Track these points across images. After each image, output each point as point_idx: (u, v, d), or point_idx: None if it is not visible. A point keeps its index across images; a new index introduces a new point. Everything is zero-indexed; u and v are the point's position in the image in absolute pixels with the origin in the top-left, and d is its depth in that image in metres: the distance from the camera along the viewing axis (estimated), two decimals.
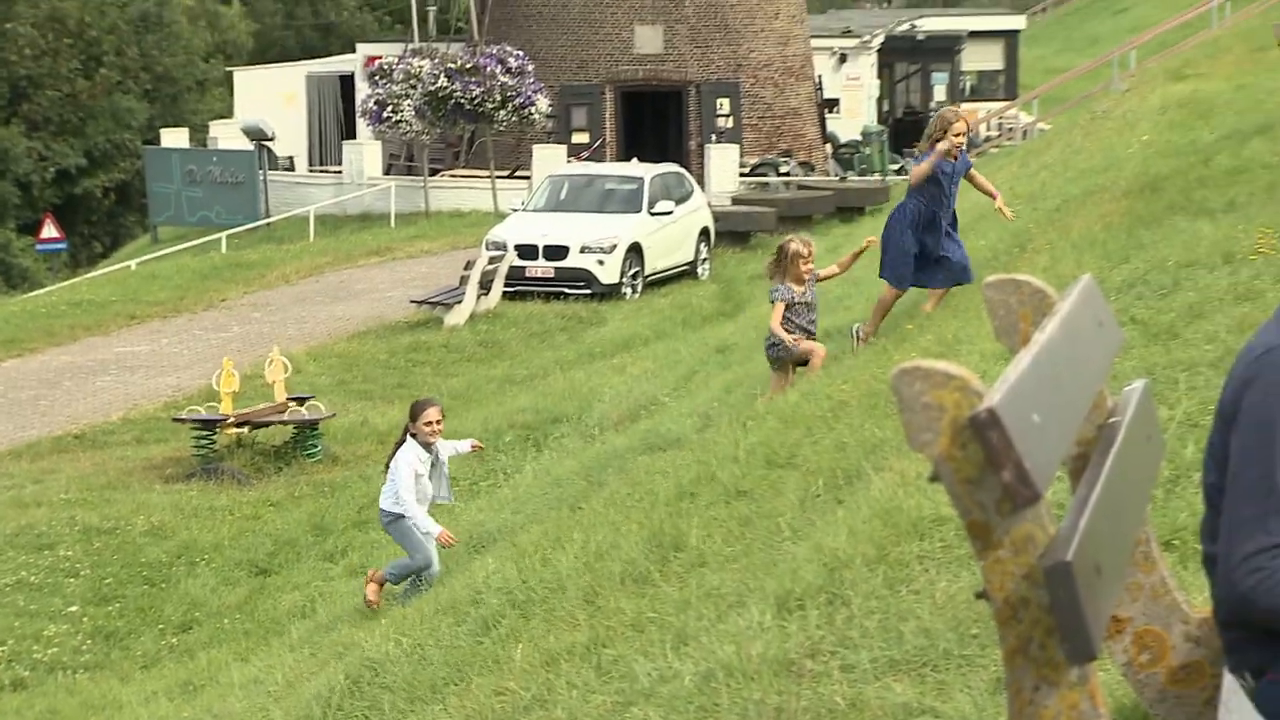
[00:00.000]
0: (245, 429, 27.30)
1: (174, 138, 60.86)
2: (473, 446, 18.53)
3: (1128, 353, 9.86)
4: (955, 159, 17.57)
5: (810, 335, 17.48)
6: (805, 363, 17.29)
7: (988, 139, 61.45)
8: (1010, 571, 3.61)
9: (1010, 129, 62.06)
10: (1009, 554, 3.61)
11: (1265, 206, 14.76)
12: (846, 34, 65.39)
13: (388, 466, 17.63)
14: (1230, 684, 3.99)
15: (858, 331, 18.12)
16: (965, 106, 66.17)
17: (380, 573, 17.15)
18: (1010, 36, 72.14)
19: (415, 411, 17.66)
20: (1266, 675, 3.78)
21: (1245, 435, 3.71)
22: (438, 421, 17.59)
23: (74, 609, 21.31)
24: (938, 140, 17.42)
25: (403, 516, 17.16)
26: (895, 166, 57.62)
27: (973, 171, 18.25)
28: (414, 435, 17.39)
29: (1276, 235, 12.67)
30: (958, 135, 17.50)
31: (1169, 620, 4.43)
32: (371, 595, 17.06)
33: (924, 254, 17.55)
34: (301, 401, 27.88)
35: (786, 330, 17.20)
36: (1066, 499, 4.16)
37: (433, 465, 17.41)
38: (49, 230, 56.86)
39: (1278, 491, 3.63)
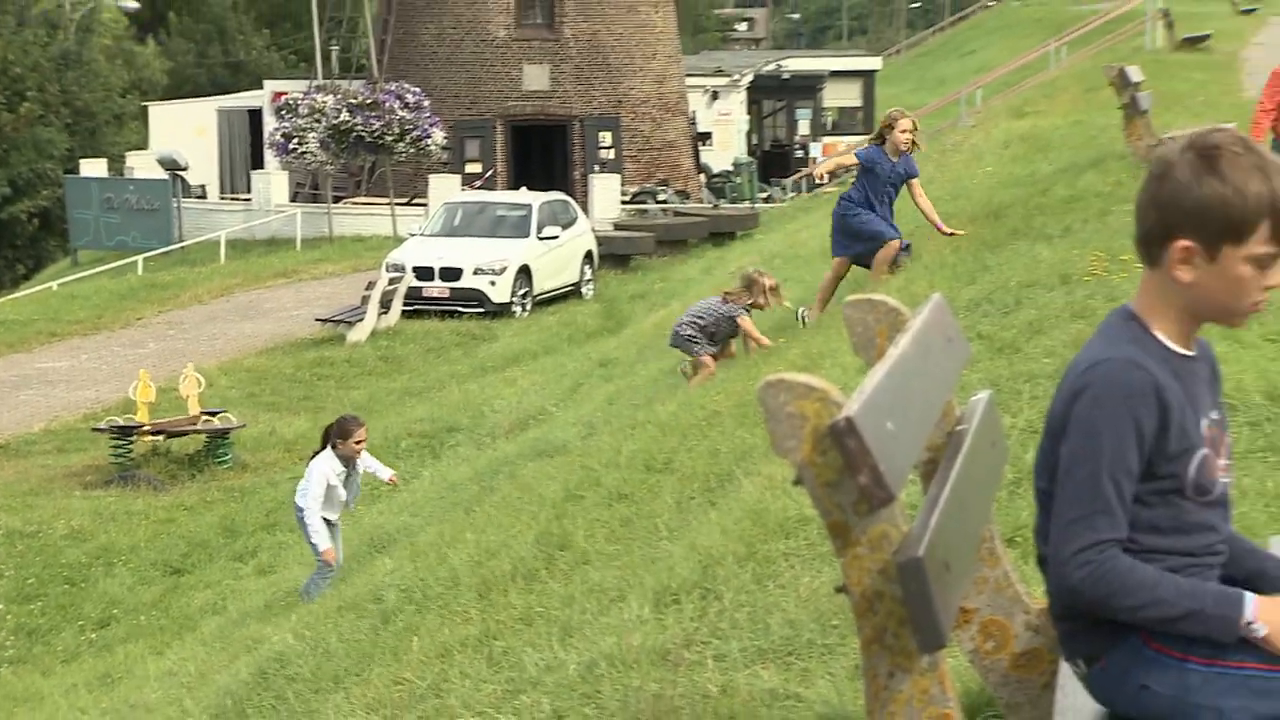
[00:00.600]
0: (161, 438, 27.24)
1: (93, 167, 60.26)
2: (390, 479, 18.31)
3: (974, 365, 9.92)
4: (897, 158, 17.27)
5: (717, 348, 17.55)
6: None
7: (849, 169, 61.65)
8: (867, 567, 3.64)
9: None
10: (866, 551, 3.63)
11: (1098, 232, 14.89)
12: (718, 73, 65.60)
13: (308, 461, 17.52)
14: (1065, 670, 4.04)
15: (803, 315, 17.98)
16: (827, 140, 66.87)
17: (302, 596, 16.69)
18: (868, 76, 72.61)
19: (346, 430, 17.35)
20: (1097, 663, 3.84)
21: (1074, 442, 3.75)
22: (364, 440, 17.54)
23: None
24: (884, 136, 17.28)
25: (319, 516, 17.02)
26: (764, 195, 57.98)
27: (916, 184, 17.78)
28: (333, 448, 17.19)
29: (1108, 258, 12.79)
30: (904, 131, 17.18)
31: (1012, 611, 4.46)
32: None
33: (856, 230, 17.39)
34: (214, 414, 27.85)
35: (709, 341, 17.42)
36: (918, 499, 4.19)
37: (348, 476, 17.29)
38: None
39: (1103, 494, 3.69)
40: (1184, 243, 3.73)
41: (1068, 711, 3.95)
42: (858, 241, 17.28)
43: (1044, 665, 4.39)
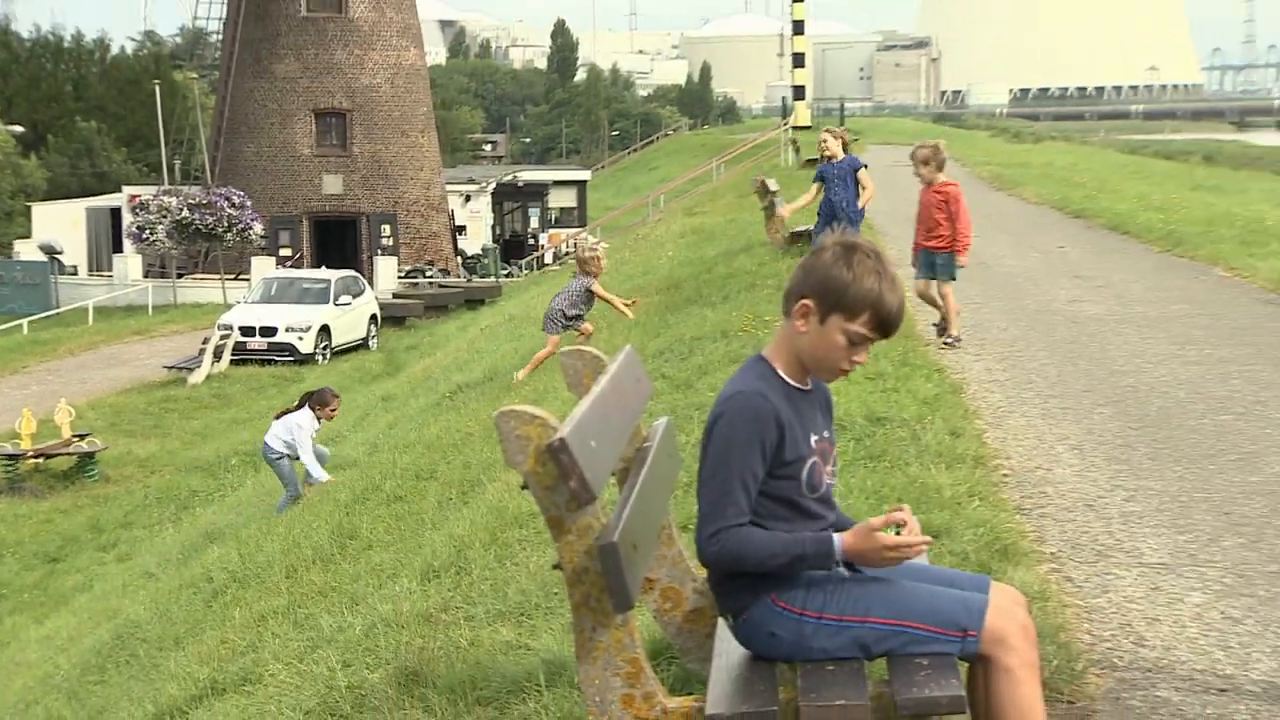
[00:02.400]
0: (41, 459, 26.71)
1: None
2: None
3: (658, 399, 10.00)
4: (832, 161, 16.20)
5: (580, 320, 16.67)
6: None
7: (567, 253, 62.00)
8: (576, 549, 3.65)
9: (583, 247, 62.68)
10: (575, 537, 3.65)
11: (748, 299, 15.09)
12: (470, 182, 65.87)
13: (279, 416, 17.40)
14: (721, 623, 4.08)
15: None
16: (552, 231, 67.21)
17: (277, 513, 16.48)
18: (581, 184, 73.27)
19: (325, 400, 17.45)
20: (741, 616, 3.89)
21: (713, 453, 3.83)
22: (338, 410, 18.12)
23: None
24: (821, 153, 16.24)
25: (285, 456, 16.89)
26: (505, 272, 58.17)
27: (863, 173, 16.49)
28: (313, 409, 17.17)
29: (755, 318, 12.97)
30: (822, 142, 16.29)
31: (684, 580, 4.49)
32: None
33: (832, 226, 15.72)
34: (83, 438, 27.39)
35: (567, 319, 16.42)
36: (616, 497, 4.20)
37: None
38: None
39: (731, 492, 3.77)
40: (806, 301, 3.82)
41: (722, 653, 3.98)
42: None
43: (707, 620, 4.43)
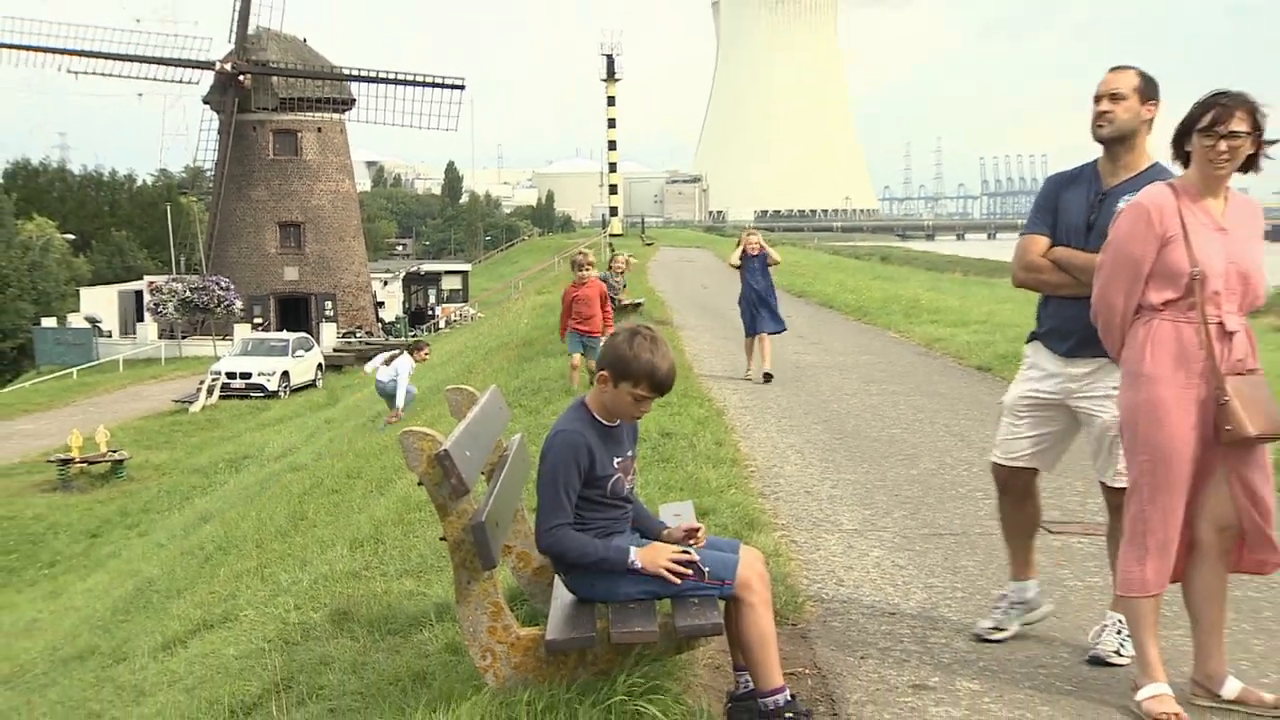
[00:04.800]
0: (85, 464, 25.96)
1: (49, 321, 56.66)
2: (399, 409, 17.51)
3: (515, 421, 9.90)
4: (755, 255, 13.63)
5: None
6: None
7: (455, 321, 61.53)
8: (457, 526, 3.60)
9: (466, 316, 62.18)
10: (456, 518, 3.60)
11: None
12: (388, 271, 65.68)
13: (387, 363, 17.53)
14: (557, 579, 4.02)
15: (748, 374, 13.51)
16: (445, 305, 66.59)
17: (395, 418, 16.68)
18: (464, 273, 72.80)
19: (420, 346, 18.07)
20: (570, 573, 3.85)
21: (544, 472, 3.79)
22: (428, 355, 18.43)
23: None
24: (744, 249, 13.75)
25: (394, 383, 17.22)
26: (413, 335, 57.51)
27: (770, 258, 13.82)
28: (411, 354, 17.55)
29: (584, 369, 12.90)
30: (751, 243, 13.72)
31: (532, 547, 4.45)
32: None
33: (754, 315, 13.66)
34: (115, 450, 26.76)
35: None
36: (485, 489, 4.14)
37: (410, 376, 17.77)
38: None
39: (559, 499, 3.73)
40: (604, 372, 3.81)
41: (558, 597, 3.94)
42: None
43: (547, 574, 4.40)
